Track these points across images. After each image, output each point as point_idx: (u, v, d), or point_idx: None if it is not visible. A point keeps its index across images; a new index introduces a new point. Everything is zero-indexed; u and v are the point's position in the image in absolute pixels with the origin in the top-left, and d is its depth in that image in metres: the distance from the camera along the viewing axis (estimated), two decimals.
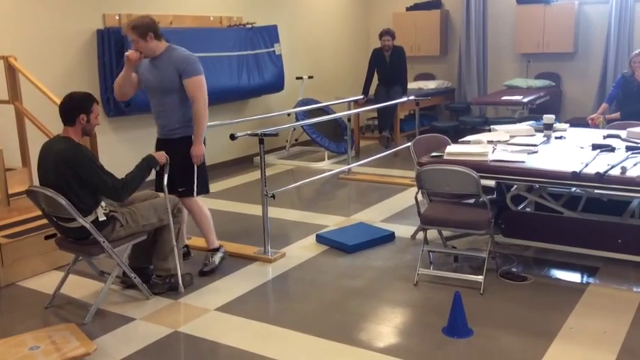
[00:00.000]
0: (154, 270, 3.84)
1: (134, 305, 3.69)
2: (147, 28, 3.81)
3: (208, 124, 4.08)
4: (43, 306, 3.71)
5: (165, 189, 3.80)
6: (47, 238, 4.21)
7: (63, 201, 3.35)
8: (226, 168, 7.43)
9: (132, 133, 6.40)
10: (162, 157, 3.78)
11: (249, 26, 7.35)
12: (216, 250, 4.22)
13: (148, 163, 3.70)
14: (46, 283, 4.05)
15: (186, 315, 3.56)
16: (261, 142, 4.38)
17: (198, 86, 3.87)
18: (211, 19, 7.13)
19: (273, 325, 3.40)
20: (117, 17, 6.09)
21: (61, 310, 3.68)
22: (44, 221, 4.09)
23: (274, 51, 7.66)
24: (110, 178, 3.46)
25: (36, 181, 4.73)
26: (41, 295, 3.86)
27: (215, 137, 7.11)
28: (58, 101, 4.54)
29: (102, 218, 3.49)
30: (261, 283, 3.98)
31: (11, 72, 4.68)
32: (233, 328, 3.39)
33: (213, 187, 6.58)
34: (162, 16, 6.44)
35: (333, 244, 4.61)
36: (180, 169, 3.94)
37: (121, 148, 6.31)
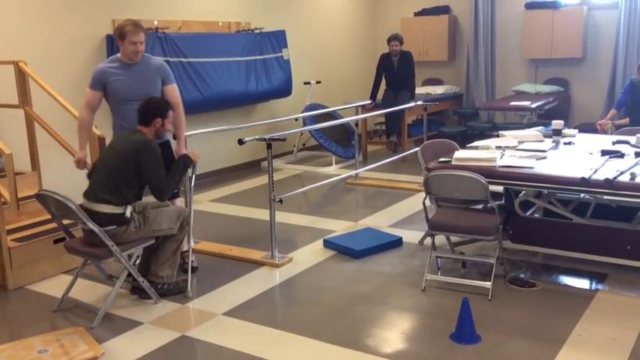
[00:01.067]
0: (149, 274, 3.85)
1: (142, 309, 3.70)
2: None
3: (217, 128, 4.12)
4: (52, 309, 3.72)
5: (192, 190, 4.02)
6: (56, 242, 4.23)
7: (72, 205, 3.38)
8: (234, 172, 7.45)
9: None
10: (195, 155, 3.91)
11: (258, 31, 7.38)
12: None
13: (184, 163, 3.84)
14: (54, 286, 4.07)
15: (194, 319, 3.56)
16: (268, 146, 4.39)
17: (177, 92, 4.08)
18: (220, 24, 7.16)
19: (280, 330, 3.40)
20: None
21: (69, 313, 3.69)
22: (53, 225, 4.11)
23: (282, 56, 7.68)
24: (163, 177, 3.64)
25: (45, 185, 4.78)
26: (50, 299, 3.87)
27: (223, 142, 7.14)
28: (68, 106, 4.60)
29: (128, 215, 3.59)
30: (268, 288, 3.98)
31: (21, 77, 4.71)
32: (240, 332, 3.39)
33: (221, 191, 6.62)
34: (170, 22, 6.48)
35: (340, 249, 4.60)
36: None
37: None
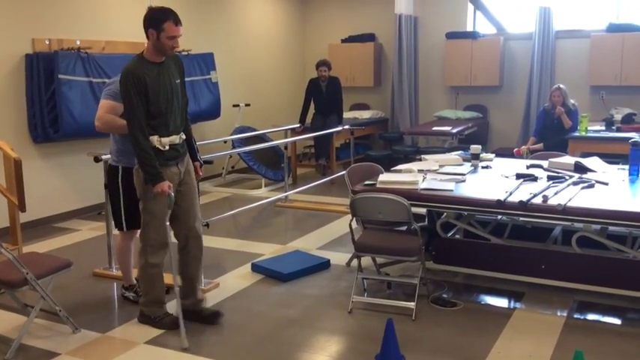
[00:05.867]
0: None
1: (59, 340, 3.54)
2: None
3: None
4: None
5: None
6: None
7: None
8: None
9: (61, 159, 6.20)
10: (163, 190, 3.41)
11: (185, 53, 7.32)
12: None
13: (150, 178, 3.41)
14: None
15: (114, 349, 3.44)
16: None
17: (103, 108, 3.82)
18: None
19: (205, 357, 3.33)
20: (47, 42, 5.93)
21: None
22: None
23: (210, 78, 7.65)
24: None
25: None
26: None
27: None
28: None
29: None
30: None
31: None
32: None
33: None
34: (94, 42, 6.32)
35: (268, 272, 4.59)
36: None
37: (49, 176, 6.09)
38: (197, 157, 3.79)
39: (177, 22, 3.41)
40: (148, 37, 3.45)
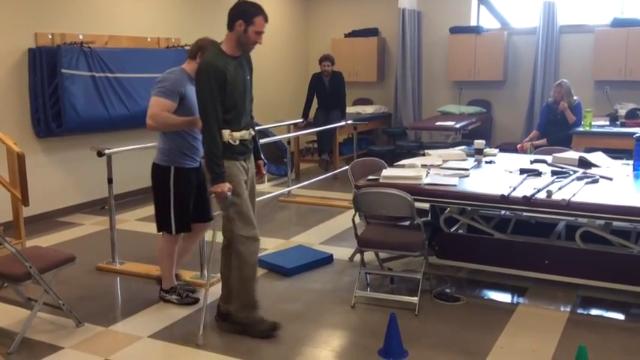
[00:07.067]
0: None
1: (63, 334, 3.54)
2: None
3: (145, 145, 3.95)
4: None
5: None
6: None
7: None
8: None
9: (64, 153, 6.20)
10: (223, 191, 3.31)
11: (188, 48, 7.29)
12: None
13: (213, 176, 3.31)
14: None
15: (118, 343, 3.44)
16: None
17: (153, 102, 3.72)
18: (149, 39, 7.04)
19: (209, 351, 3.34)
20: (49, 36, 5.93)
21: None
22: None
23: None
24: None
25: None
26: None
27: (151, 159, 6.97)
28: None
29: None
30: (197, 309, 3.90)
31: None
32: (167, 355, 3.31)
33: (148, 210, 6.44)
34: (97, 36, 6.32)
35: (271, 267, 4.58)
36: None
37: (52, 170, 6.10)
38: (260, 156, 3.69)
39: (266, 18, 3.36)
40: (232, 28, 3.30)
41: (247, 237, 3.39)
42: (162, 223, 3.81)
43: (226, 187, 3.29)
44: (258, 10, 3.32)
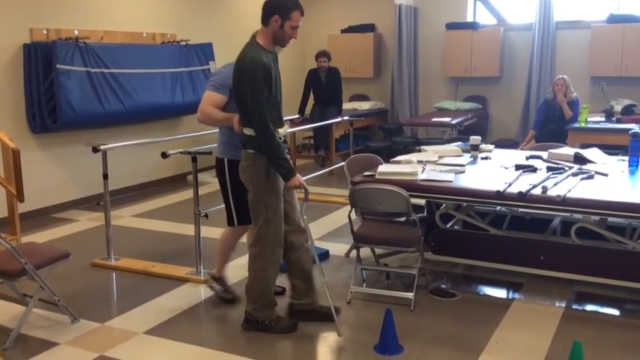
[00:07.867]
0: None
1: (58, 329, 3.54)
2: None
3: (140, 141, 3.94)
4: None
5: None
6: None
7: None
8: (158, 187, 7.28)
9: (59, 149, 6.18)
10: (298, 183, 3.39)
11: (184, 43, 7.29)
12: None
13: (283, 172, 3.31)
14: None
15: (113, 339, 3.44)
16: (194, 160, 4.33)
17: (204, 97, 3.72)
18: (144, 35, 7.02)
19: (205, 347, 3.34)
20: (44, 31, 5.90)
21: None
22: None
23: (209, 69, 7.61)
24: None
25: None
26: None
27: (146, 155, 6.97)
28: None
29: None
30: (193, 305, 3.91)
31: None
32: (163, 352, 3.30)
33: (144, 206, 6.45)
34: (92, 32, 6.29)
35: None
36: None
37: (47, 166, 6.08)
38: (288, 152, 3.61)
39: (303, 13, 3.27)
40: (267, 23, 3.22)
41: (278, 241, 3.39)
42: (227, 215, 3.79)
43: (300, 178, 3.29)
44: (297, 5, 3.24)
